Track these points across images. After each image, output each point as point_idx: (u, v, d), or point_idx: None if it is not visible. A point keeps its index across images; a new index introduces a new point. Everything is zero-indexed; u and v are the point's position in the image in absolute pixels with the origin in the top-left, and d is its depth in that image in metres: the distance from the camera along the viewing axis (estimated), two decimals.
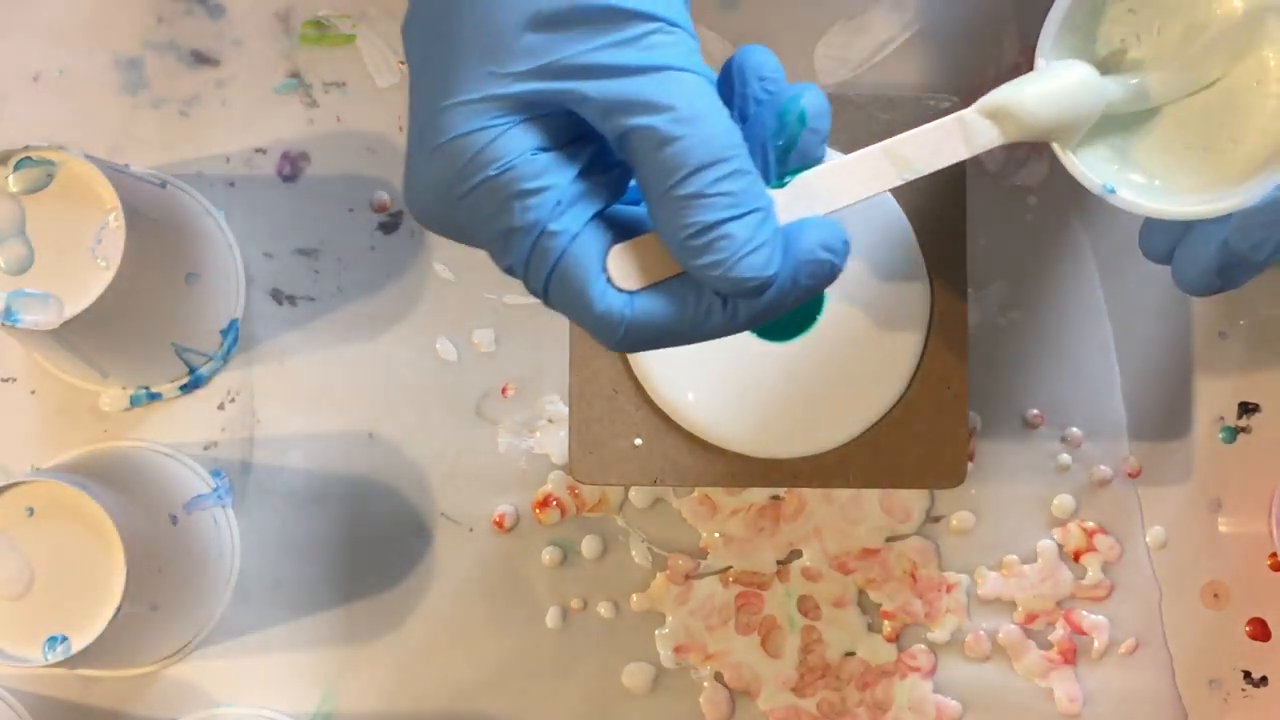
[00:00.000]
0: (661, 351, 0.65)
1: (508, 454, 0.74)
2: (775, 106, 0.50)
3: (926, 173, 0.52)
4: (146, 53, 0.75)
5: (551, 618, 0.73)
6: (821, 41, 0.75)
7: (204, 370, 0.74)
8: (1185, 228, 0.56)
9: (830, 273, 0.50)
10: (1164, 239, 0.58)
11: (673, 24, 0.49)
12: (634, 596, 0.73)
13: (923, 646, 0.73)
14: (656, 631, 0.73)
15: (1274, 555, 0.73)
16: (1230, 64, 0.55)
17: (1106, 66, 0.56)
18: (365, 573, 0.73)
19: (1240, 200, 0.53)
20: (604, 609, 0.73)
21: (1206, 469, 0.74)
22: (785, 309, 0.50)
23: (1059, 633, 0.73)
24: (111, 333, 0.67)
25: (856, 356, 0.66)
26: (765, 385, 0.66)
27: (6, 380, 0.74)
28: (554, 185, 0.49)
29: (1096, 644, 0.73)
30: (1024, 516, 0.73)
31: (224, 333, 0.74)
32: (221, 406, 0.74)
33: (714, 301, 0.49)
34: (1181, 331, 0.74)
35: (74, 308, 0.64)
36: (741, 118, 0.50)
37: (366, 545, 0.73)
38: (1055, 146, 0.55)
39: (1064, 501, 0.73)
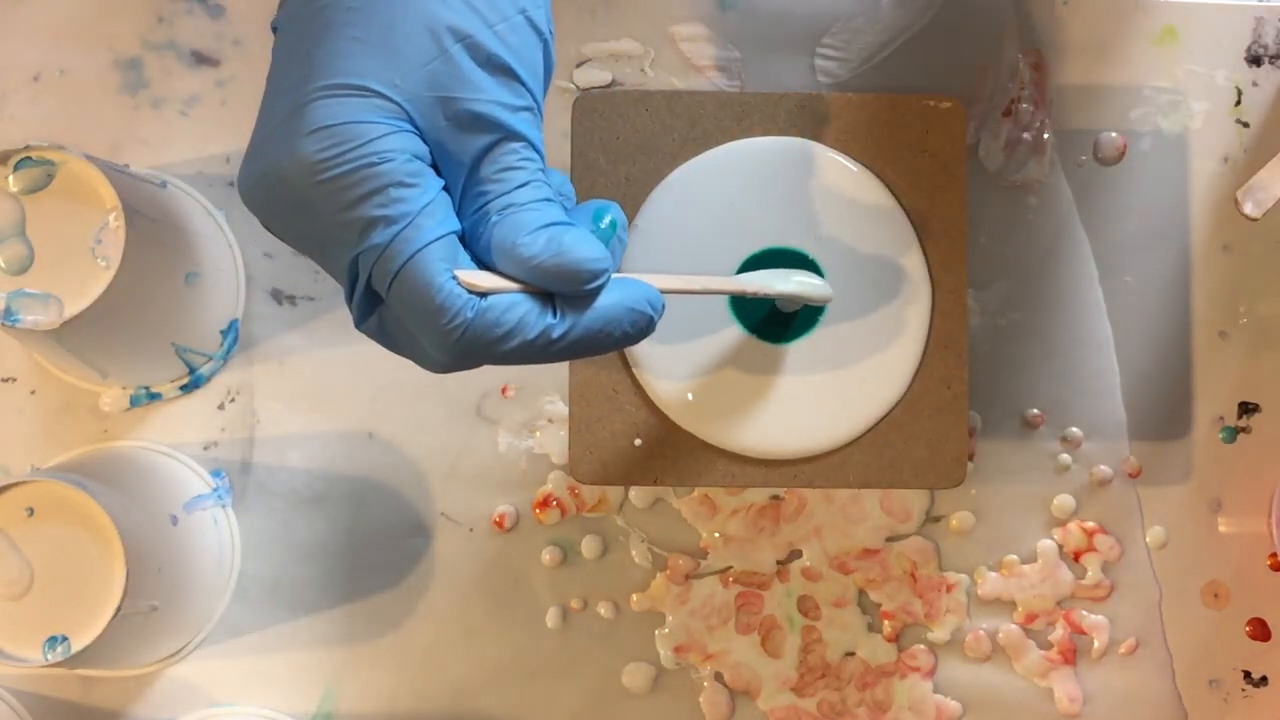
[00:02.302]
0: (661, 351, 0.65)
1: (508, 454, 0.74)
2: (588, 210, 0.54)
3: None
4: (146, 53, 0.75)
5: (551, 618, 0.73)
6: (821, 41, 0.75)
7: (204, 370, 0.74)
8: None
9: (648, 326, 0.54)
10: None
11: (540, 110, 0.53)
12: (634, 596, 0.73)
13: (923, 646, 0.73)
14: (656, 631, 0.73)
15: (1274, 555, 0.73)
16: None
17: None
18: (365, 573, 0.73)
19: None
20: (604, 609, 0.73)
21: (1206, 469, 0.74)
22: (608, 342, 0.53)
23: (1059, 633, 0.73)
24: (111, 333, 0.67)
25: (857, 357, 0.66)
26: (765, 385, 0.66)
27: (6, 380, 0.74)
28: (427, 188, 0.51)
29: (1096, 644, 0.73)
30: (1024, 516, 0.73)
31: (224, 333, 0.74)
32: (221, 406, 0.74)
33: (549, 312, 0.52)
34: (1181, 331, 0.74)
35: (74, 308, 0.64)
36: None
37: (366, 545, 0.73)
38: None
39: (1064, 501, 0.73)
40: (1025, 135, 0.74)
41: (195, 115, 0.75)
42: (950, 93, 0.68)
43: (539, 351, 0.52)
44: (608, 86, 0.75)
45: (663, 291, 0.55)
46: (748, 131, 0.67)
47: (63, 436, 0.74)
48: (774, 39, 0.75)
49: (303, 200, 0.51)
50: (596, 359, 0.66)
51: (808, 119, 0.67)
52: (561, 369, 0.70)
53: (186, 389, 0.74)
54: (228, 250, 0.74)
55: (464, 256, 0.51)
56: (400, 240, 0.50)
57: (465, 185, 0.52)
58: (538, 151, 0.53)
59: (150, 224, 0.67)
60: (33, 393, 0.74)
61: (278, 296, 0.74)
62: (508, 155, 0.52)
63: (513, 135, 0.52)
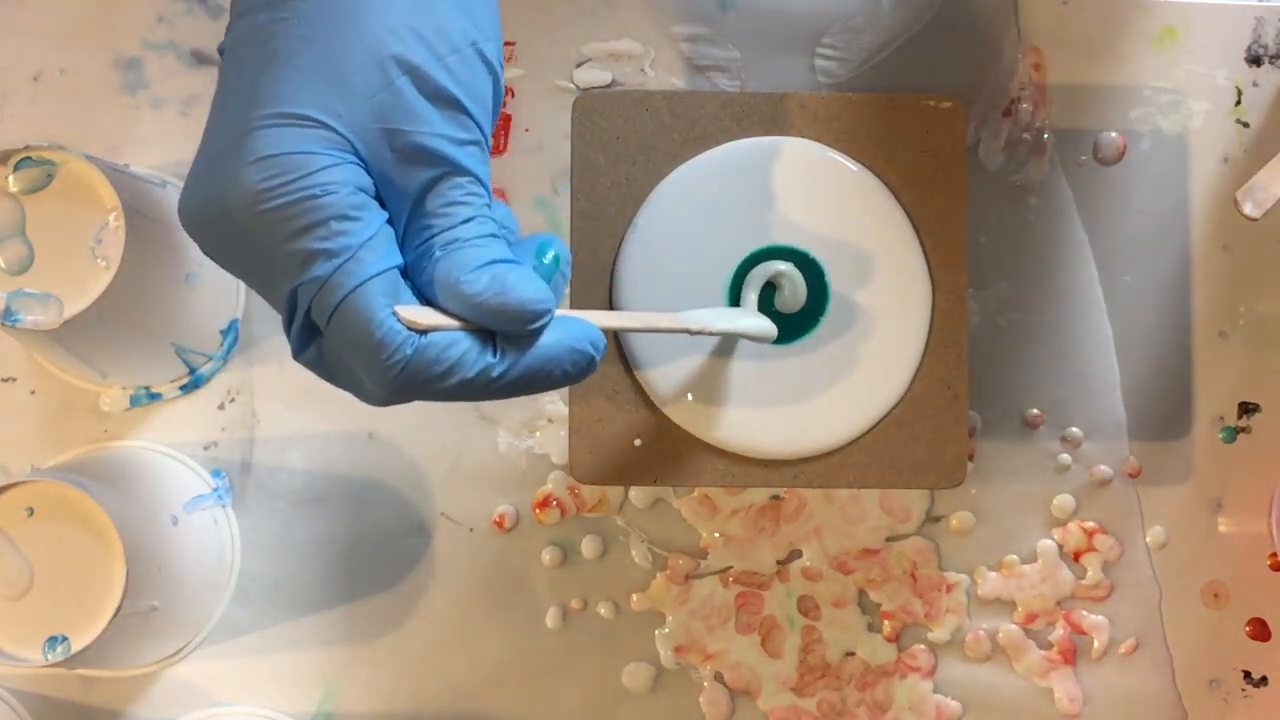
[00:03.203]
0: (662, 351, 0.65)
1: (508, 454, 0.74)
2: (532, 243, 0.53)
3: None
4: (146, 53, 0.75)
5: (551, 618, 0.73)
6: (821, 41, 0.75)
7: (204, 370, 0.74)
8: None
9: (589, 365, 0.53)
10: None
11: (487, 143, 0.53)
12: (634, 596, 0.73)
13: (923, 646, 0.73)
14: (656, 631, 0.73)
15: (1274, 555, 0.73)
16: None
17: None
18: (365, 573, 0.73)
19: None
20: (604, 609, 0.73)
21: (1206, 469, 0.74)
22: (548, 381, 0.53)
23: (1059, 633, 0.73)
24: (111, 333, 0.67)
25: (857, 357, 0.66)
26: (765, 385, 0.66)
27: (6, 380, 0.74)
28: (370, 222, 0.50)
29: (1096, 644, 0.73)
30: (1024, 516, 0.74)
31: (224, 333, 0.74)
32: (221, 406, 0.74)
33: (489, 351, 0.51)
34: (1181, 331, 0.74)
35: (74, 308, 0.64)
36: None
37: (366, 545, 0.73)
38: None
39: (1064, 501, 0.73)
40: (1025, 135, 0.74)
41: (195, 115, 0.75)
42: (950, 93, 0.68)
43: (478, 389, 0.51)
44: (608, 86, 0.75)
45: (604, 330, 0.54)
46: (748, 131, 0.67)
47: (63, 436, 0.74)
48: (774, 39, 0.75)
49: (243, 229, 0.50)
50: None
51: (808, 119, 0.67)
52: None
53: (186, 389, 0.74)
54: None
55: (405, 292, 0.51)
56: (341, 274, 0.50)
57: (409, 218, 0.52)
58: (484, 186, 0.52)
59: (150, 224, 0.67)
60: (33, 393, 0.74)
61: None
62: (453, 190, 0.52)
63: (458, 170, 0.51)
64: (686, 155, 0.67)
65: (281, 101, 0.50)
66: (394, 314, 0.50)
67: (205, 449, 0.74)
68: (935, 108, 0.67)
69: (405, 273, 0.51)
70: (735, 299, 0.66)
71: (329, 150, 0.50)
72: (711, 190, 0.66)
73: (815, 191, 0.66)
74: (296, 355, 0.53)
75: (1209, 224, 0.74)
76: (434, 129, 0.51)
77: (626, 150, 0.67)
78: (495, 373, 0.51)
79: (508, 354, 0.52)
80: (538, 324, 0.51)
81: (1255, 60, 0.75)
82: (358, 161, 0.50)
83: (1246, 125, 0.75)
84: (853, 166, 0.66)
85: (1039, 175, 0.74)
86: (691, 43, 0.75)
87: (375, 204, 0.51)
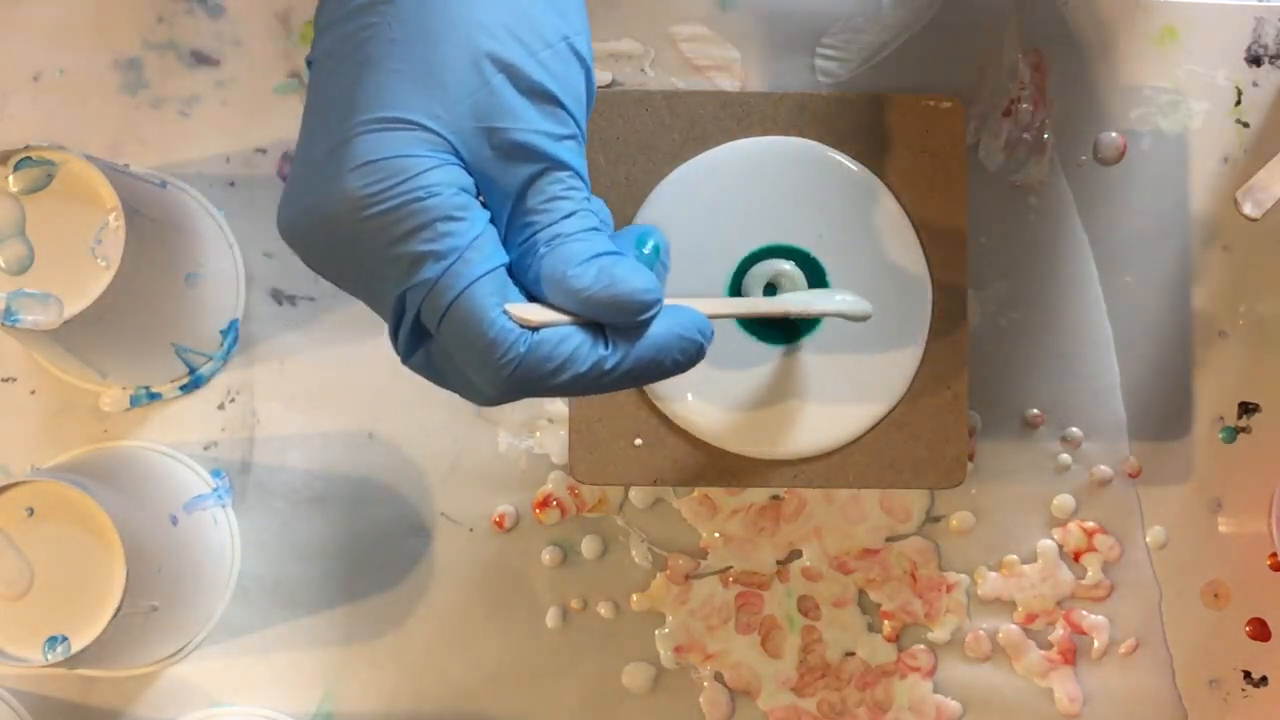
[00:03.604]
0: None
1: (508, 454, 0.74)
2: (631, 235, 0.54)
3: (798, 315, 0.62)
4: (146, 53, 0.75)
5: (551, 618, 0.73)
6: (821, 41, 0.75)
7: (204, 370, 0.74)
8: None
9: (698, 353, 0.53)
10: None
11: (583, 137, 0.52)
12: (634, 596, 0.73)
13: (923, 646, 0.73)
14: (656, 631, 0.73)
15: (1274, 555, 0.73)
16: None
17: None
18: (365, 573, 0.73)
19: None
20: (604, 609, 0.73)
21: (1206, 469, 0.74)
22: (659, 372, 0.52)
23: (1059, 633, 0.73)
24: (111, 333, 0.67)
25: (857, 357, 0.66)
26: (766, 386, 0.66)
27: (6, 380, 0.74)
28: (475, 221, 0.50)
29: (1096, 644, 0.73)
30: (1024, 516, 0.74)
31: (224, 333, 0.74)
32: (221, 406, 0.74)
33: (601, 344, 0.51)
34: (1181, 331, 0.74)
35: (74, 308, 0.64)
36: None
37: (366, 545, 0.73)
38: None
39: (1064, 501, 0.73)
40: (1025, 135, 0.74)
41: (195, 115, 0.75)
42: (950, 93, 0.68)
43: (591, 383, 0.51)
44: (608, 86, 0.75)
45: (709, 316, 0.54)
46: (748, 131, 0.67)
47: (63, 436, 0.74)
48: (774, 39, 0.75)
49: (347, 236, 0.50)
50: None
51: (808, 119, 0.67)
52: None
53: (186, 389, 0.74)
54: (228, 250, 0.74)
55: (513, 290, 0.51)
56: (450, 275, 0.49)
57: (511, 216, 0.51)
58: (583, 180, 0.52)
59: (150, 224, 0.67)
60: (33, 393, 0.74)
61: (278, 296, 0.74)
62: (553, 185, 0.51)
63: (558, 165, 0.51)
64: (686, 155, 0.67)
65: (379, 106, 0.50)
66: (505, 313, 0.50)
67: (205, 449, 0.74)
68: (935, 108, 0.67)
69: (510, 271, 0.51)
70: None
71: (430, 152, 0.50)
72: (711, 190, 0.66)
73: (815, 191, 0.66)
74: (405, 359, 0.52)
75: (1209, 224, 0.74)
76: (532, 125, 0.51)
77: (626, 150, 0.67)
78: (608, 365, 0.51)
79: (619, 346, 0.51)
80: (648, 314, 0.51)
81: (1255, 60, 0.75)
82: (458, 162, 0.50)
83: (1246, 125, 0.75)
84: (853, 166, 0.66)
85: (1039, 175, 0.74)
86: (691, 43, 0.75)
87: (478, 204, 0.51)
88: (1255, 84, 0.75)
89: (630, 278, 0.51)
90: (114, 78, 0.75)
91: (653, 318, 0.52)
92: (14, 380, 0.74)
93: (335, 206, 0.49)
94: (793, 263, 0.65)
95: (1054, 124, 0.74)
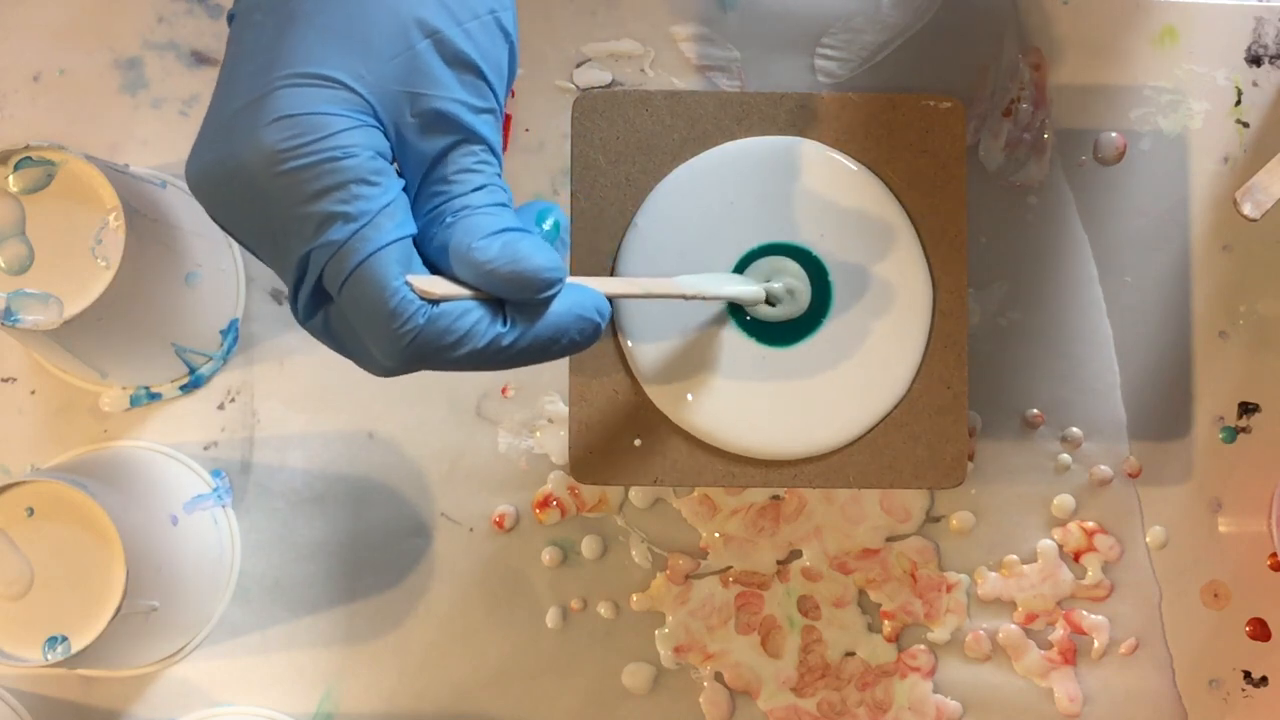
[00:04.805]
0: (662, 350, 0.65)
1: (508, 454, 0.74)
2: (530, 211, 0.54)
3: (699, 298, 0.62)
4: (146, 53, 0.75)
5: (551, 618, 0.73)
6: (821, 41, 0.75)
7: (204, 370, 0.74)
8: None
9: (595, 333, 0.53)
10: None
11: (501, 113, 0.52)
12: (634, 596, 0.73)
13: (923, 646, 0.73)
14: (656, 631, 0.73)
15: (1274, 555, 0.73)
16: None
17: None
18: (365, 573, 0.73)
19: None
20: (604, 609, 0.73)
21: (1206, 469, 0.74)
22: (556, 350, 0.52)
23: (1059, 633, 0.73)
24: (111, 333, 0.67)
25: (857, 357, 0.66)
26: (765, 386, 0.66)
27: (6, 380, 0.74)
28: (389, 188, 0.50)
29: (1096, 644, 0.73)
30: (1024, 516, 0.74)
31: (224, 333, 0.74)
32: (221, 406, 0.74)
33: (499, 320, 0.51)
34: (1181, 331, 0.74)
35: (74, 308, 0.64)
36: None
37: (366, 545, 0.73)
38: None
39: (1064, 501, 0.73)
40: (1025, 135, 0.74)
41: (195, 115, 0.75)
42: (950, 93, 0.68)
43: (487, 359, 0.51)
44: (608, 86, 0.75)
45: (607, 296, 0.54)
46: (748, 131, 0.67)
47: (63, 436, 0.74)
48: (774, 39, 0.75)
49: (258, 190, 0.49)
50: (596, 361, 0.66)
51: (808, 119, 0.67)
52: (561, 369, 0.70)
53: (186, 389, 0.74)
54: (228, 250, 0.74)
55: (417, 261, 0.50)
56: (358, 239, 0.49)
57: (421, 184, 0.51)
58: (496, 156, 0.52)
59: (150, 224, 0.67)
60: (33, 393, 0.74)
61: (278, 296, 0.74)
62: (466, 157, 0.51)
63: (474, 137, 0.51)
64: (686, 155, 0.67)
65: (303, 62, 0.49)
66: (407, 283, 0.50)
67: (205, 449, 0.74)
68: (935, 108, 0.67)
69: (415, 240, 0.51)
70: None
71: (350, 112, 0.49)
72: (711, 190, 0.66)
73: (815, 192, 0.66)
74: (303, 322, 0.52)
75: (1209, 224, 0.74)
76: (453, 94, 0.51)
77: (626, 150, 0.67)
78: (505, 342, 0.51)
79: (518, 323, 0.51)
80: (549, 292, 0.51)
81: (1255, 60, 0.75)
82: (377, 125, 0.50)
83: (1246, 125, 0.75)
84: (853, 166, 0.66)
85: (1039, 175, 0.74)
86: (691, 43, 0.75)
87: (393, 170, 0.50)
88: (1255, 84, 0.75)
89: (534, 255, 0.50)
90: (114, 78, 0.75)
91: (553, 296, 0.51)
92: (14, 380, 0.74)
93: (249, 158, 0.49)
94: (793, 261, 0.65)
95: (1054, 124, 0.74)
